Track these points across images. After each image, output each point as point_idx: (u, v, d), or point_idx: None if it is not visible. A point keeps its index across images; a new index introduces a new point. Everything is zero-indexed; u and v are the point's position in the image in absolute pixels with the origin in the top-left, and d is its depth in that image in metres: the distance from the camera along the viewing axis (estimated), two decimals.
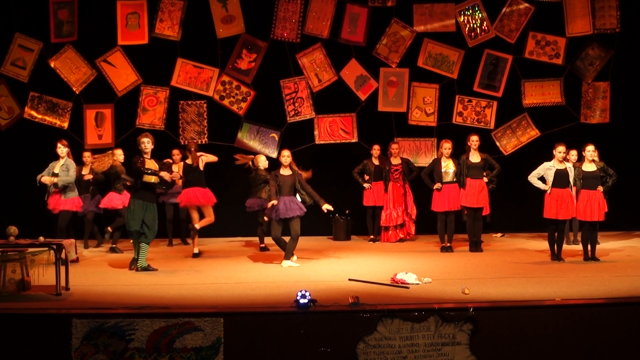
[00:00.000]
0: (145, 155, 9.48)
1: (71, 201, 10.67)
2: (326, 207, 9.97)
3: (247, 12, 13.17)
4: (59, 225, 10.57)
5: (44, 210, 12.48)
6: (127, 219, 9.37)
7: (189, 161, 11.03)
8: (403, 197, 12.37)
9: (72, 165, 10.62)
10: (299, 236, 9.93)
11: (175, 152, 12.12)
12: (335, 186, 13.00)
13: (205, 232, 12.56)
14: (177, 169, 11.18)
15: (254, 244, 12.06)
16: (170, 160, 11.79)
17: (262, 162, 11.46)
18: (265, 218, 11.21)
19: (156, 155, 9.73)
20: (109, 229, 11.24)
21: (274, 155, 13.22)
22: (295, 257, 10.06)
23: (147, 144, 9.47)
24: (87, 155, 11.73)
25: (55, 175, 10.50)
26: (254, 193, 11.43)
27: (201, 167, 10.96)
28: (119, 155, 11.29)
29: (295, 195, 9.98)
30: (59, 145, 10.64)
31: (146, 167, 9.38)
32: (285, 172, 10.04)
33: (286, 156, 10.08)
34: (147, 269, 9.35)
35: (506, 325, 6.95)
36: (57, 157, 10.63)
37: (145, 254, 9.41)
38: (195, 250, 10.89)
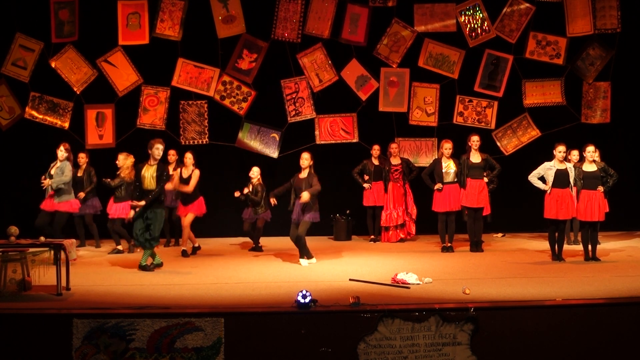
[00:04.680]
0: (151, 161, 9.52)
1: (68, 204, 10.74)
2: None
3: (248, 12, 13.15)
4: (54, 226, 10.61)
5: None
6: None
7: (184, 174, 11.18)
8: (403, 197, 12.36)
9: (68, 167, 10.67)
10: (298, 238, 9.94)
11: (172, 152, 12.00)
12: (336, 186, 13.00)
13: (206, 232, 12.57)
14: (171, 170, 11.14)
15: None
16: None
17: (255, 174, 11.43)
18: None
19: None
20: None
21: (275, 155, 13.23)
22: (313, 259, 10.13)
23: (161, 150, 9.55)
24: (82, 157, 11.75)
25: (50, 177, 10.61)
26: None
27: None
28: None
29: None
30: (60, 147, 10.72)
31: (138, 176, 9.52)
32: (303, 174, 10.06)
33: (304, 159, 10.08)
34: (145, 268, 9.44)
35: (507, 325, 6.96)
36: (56, 157, 10.71)
37: (147, 254, 9.52)
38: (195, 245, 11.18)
